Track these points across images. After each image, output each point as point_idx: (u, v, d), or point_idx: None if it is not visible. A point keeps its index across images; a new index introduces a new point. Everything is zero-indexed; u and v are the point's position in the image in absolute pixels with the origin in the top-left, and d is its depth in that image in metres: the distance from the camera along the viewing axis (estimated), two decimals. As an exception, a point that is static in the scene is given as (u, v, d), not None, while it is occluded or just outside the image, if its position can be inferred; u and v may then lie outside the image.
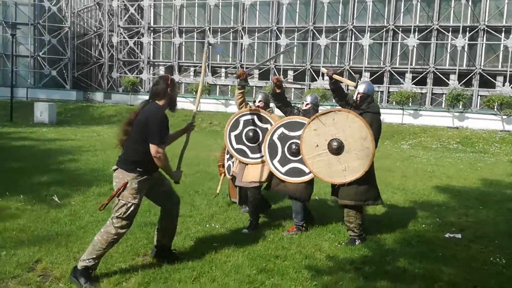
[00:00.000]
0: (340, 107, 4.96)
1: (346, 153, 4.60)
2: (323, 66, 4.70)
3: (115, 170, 3.72)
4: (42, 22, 29.43)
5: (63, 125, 20.42)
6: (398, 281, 3.85)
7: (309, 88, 25.18)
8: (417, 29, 24.17)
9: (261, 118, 5.27)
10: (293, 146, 5.01)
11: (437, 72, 23.79)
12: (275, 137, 5.10)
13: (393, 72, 24.68)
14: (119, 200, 3.61)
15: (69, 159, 10.26)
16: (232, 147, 5.34)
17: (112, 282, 3.62)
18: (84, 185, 7.30)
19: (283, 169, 5.07)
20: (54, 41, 29.65)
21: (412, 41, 23.81)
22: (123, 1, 30.11)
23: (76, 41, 32.17)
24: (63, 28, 30.44)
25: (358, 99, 4.93)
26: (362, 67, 25.06)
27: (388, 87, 24.87)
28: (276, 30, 26.50)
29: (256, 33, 27.10)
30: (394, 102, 23.55)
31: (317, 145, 4.70)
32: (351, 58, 25.39)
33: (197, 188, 7.41)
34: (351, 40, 25.32)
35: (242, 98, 5.40)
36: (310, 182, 5.13)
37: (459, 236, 5.30)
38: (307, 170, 4.91)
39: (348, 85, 4.99)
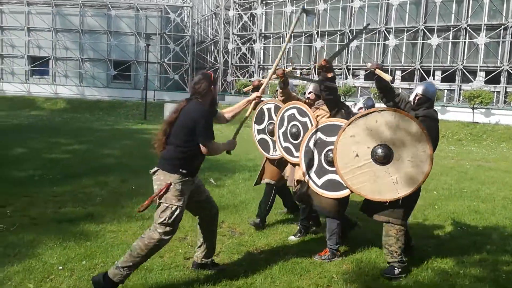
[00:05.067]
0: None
1: (396, 161, 3.77)
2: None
3: (154, 172, 3.45)
4: (167, 32, 33.09)
5: (187, 124, 23.02)
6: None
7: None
8: (541, 25, 22.63)
9: (300, 112, 4.69)
10: (330, 154, 4.20)
11: None
12: (311, 144, 4.39)
13: (511, 71, 23.38)
14: (161, 203, 3.35)
15: (207, 152, 12.09)
16: (281, 145, 4.89)
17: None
18: (228, 171, 8.87)
19: (320, 181, 4.31)
20: (177, 49, 33.12)
21: (536, 38, 22.36)
22: (238, 10, 32.55)
23: (196, 48, 35.48)
24: (185, 37, 33.83)
25: (416, 101, 4.19)
26: (477, 67, 24.13)
27: (506, 87, 23.61)
28: (385, 31, 26.62)
29: (364, 35, 27.48)
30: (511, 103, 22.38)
31: (357, 155, 3.88)
32: (465, 58, 24.57)
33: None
34: (465, 39, 24.51)
35: (283, 100, 4.92)
36: (346, 198, 4.38)
37: None
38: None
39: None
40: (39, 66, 33.20)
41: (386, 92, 4.23)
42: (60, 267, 3.72)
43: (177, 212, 3.36)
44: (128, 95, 31.41)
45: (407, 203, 3.92)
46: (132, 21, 32.95)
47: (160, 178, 3.38)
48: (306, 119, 4.61)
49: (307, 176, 4.40)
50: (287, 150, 4.81)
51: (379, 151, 3.80)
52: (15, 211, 5.43)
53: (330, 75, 4.33)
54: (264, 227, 5.22)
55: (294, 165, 4.79)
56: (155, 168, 3.44)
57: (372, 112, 3.86)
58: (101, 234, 4.67)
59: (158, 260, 4.03)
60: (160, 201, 3.35)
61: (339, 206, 4.33)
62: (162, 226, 3.34)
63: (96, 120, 22.40)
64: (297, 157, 4.61)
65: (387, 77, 4.09)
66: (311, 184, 4.37)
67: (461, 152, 15.30)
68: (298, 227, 5.00)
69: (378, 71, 4.07)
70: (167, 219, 3.33)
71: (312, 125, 4.52)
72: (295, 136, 4.69)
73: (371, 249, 4.56)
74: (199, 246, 3.87)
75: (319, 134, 4.33)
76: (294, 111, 4.72)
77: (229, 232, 5.04)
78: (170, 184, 3.34)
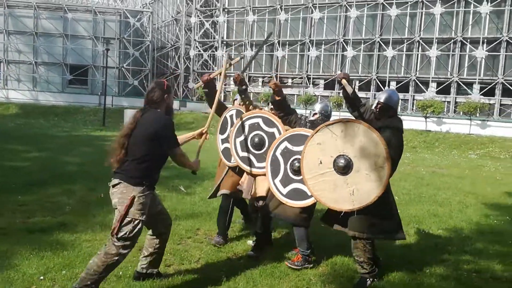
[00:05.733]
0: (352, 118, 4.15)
1: (355, 172, 3.77)
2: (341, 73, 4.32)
3: (115, 185, 3.33)
4: (127, 36, 32.59)
5: (149, 130, 22.73)
6: (478, 257, 4.91)
7: (375, 98, 26.00)
8: (485, 40, 24.25)
9: (267, 122, 4.58)
10: (296, 163, 4.21)
11: (506, 83, 23.71)
12: (278, 153, 4.35)
13: (460, 83, 24.88)
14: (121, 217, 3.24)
15: (172, 159, 12.05)
16: (238, 155, 4.70)
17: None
18: (197, 179, 8.86)
19: (285, 190, 4.31)
20: (137, 54, 32.69)
21: (481, 52, 23.93)
22: (199, 17, 32.60)
23: (156, 53, 35.13)
24: (145, 42, 33.46)
25: (378, 109, 4.07)
26: (429, 78, 25.48)
27: (455, 97, 25.08)
28: (343, 42, 27.56)
29: (323, 45, 28.32)
30: (461, 112, 23.76)
31: (321, 162, 3.89)
32: (418, 69, 25.88)
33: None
34: (418, 51, 25.85)
35: (247, 105, 4.84)
36: (311, 205, 4.32)
37: (528, 230, 6.21)
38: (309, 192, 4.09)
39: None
40: (-11, 69, 31.74)
41: (350, 102, 4.18)
42: (41, 277, 3.66)
43: (139, 226, 3.31)
44: (84, 100, 30.60)
45: (373, 217, 3.90)
46: (90, 24, 32.23)
47: (123, 192, 3.28)
48: (274, 130, 4.52)
49: (272, 184, 4.35)
50: (244, 160, 4.64)
51: (340, 161, 3.80)
52: (-19, 221, 5.24)
53: (278, 98, 4.41)
54: (227, 241, 5.01)
55: (252, 176, 4.70)
56: (117, 180, 3.33)
57: (339, 121, 3.87)
58: (77, 244, 4.62)
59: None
60: (121, 215, 3.24)
61: (305, 214, 4.29)
62: (122, 240, 3.27)
63: (52, 127, 21.67)
64: (258, 167, 4.55)
65: (349, 88, 4.05)
66: (275, 193, 4.33)
67: (416, 159, 16.08)
68: (254, 243, 4.75)
69: (343, 81, 4.05)
70: (128, 233, 3.26)
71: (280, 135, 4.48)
72: (258, 146, 4.56)
73: (344, 252, 4.75)
74: (146, 256, 3.73)
75: (285, 143, 4.32)
76: (259, 120, 4.60)
77: (206, 239, 5.10)
78: (134, 197, 3.26)
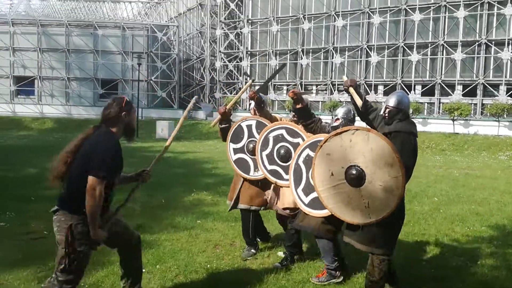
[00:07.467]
0: (365, 126, 3.92)
1: (368, 184, 3.52)
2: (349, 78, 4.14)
3: (55, 212, 3.00)
4: (154, 50, 33.69)
5: (181, 140, 23.42)
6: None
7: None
8: (511, 42, 24.26)
9: (291, 132, 4.47)
10: None
11: (534, 84, 23.68)
12: (300, 161, 4.18)
13: (486, 84, 24.90)
14: (62, 248, 2.90)
15: (212, 167, 12.65)
16: (266, 168, 4.57)
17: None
18: (242, 186, 9.45)
19: (306, 200, 4.14)
20: (164, 67, 33.73)
21: (506, 54, 23.94)
22: (224, 29, 33.49)
23: (182, 65, 36.19)
24: (171, 55, 34.50)
25: (387, 114, 3.77)
26: (455, 80, 25.59)
27: (482, 99, 25.10)
28: (367, 48, 27.92)
29: (347, 52, 28.73)
30: (488, 114, 23.77)
31: (332, 174, 3.67)
32: (443, 72, 26.01)
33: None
34: (443, 55, 26.00)
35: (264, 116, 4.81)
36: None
37: None
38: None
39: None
40: (24, 86, 33.20)
41: (359, 111, 3.96)
42: (143, 270, 4.23)
43: (81, 256, 2.95)
44: (116, 113, 31.64)
45: (390, 231, 3.65)
46: (119, 40, 33.44)
47: (61, 219, 2.95)
48: (298, 140, 4.39)
49: (295, 194, 4.20)
50: (274, 173, 4.54)
51: (352, 172, 3.54)
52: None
53: (298, 106, 4.28)
54: (258, 249, 5.05)
55: (279, 187, 4.62)
56: (55, 207, 3.01)
57: (346, 130, 3.62)
58: (159, 243, 5.17)
59: (220, 262, 4.60)
60: (61, 246, 2.92)
61: (328, 225, 4.06)
62: (64, 274, 2.94)
63: (89, 139, 22.57)
64: (286, 179, 4.41)
65: (358, 100, 3.86)
66: (298, 202, 4.20)
67: (447, 161, 16.30)
68: (285, 254, 4.71)
69: (351, 90, 3.87)
70: (68, 265, 2.92)
71: None
72: (285, 158, 4.44)
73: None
74: (122, 277, 3.53)
75: (307, 151, 4.13)
76: (283, 131, 4.49)
77: (269, 235, 5.60)
78: (71, 226, 2.90)
